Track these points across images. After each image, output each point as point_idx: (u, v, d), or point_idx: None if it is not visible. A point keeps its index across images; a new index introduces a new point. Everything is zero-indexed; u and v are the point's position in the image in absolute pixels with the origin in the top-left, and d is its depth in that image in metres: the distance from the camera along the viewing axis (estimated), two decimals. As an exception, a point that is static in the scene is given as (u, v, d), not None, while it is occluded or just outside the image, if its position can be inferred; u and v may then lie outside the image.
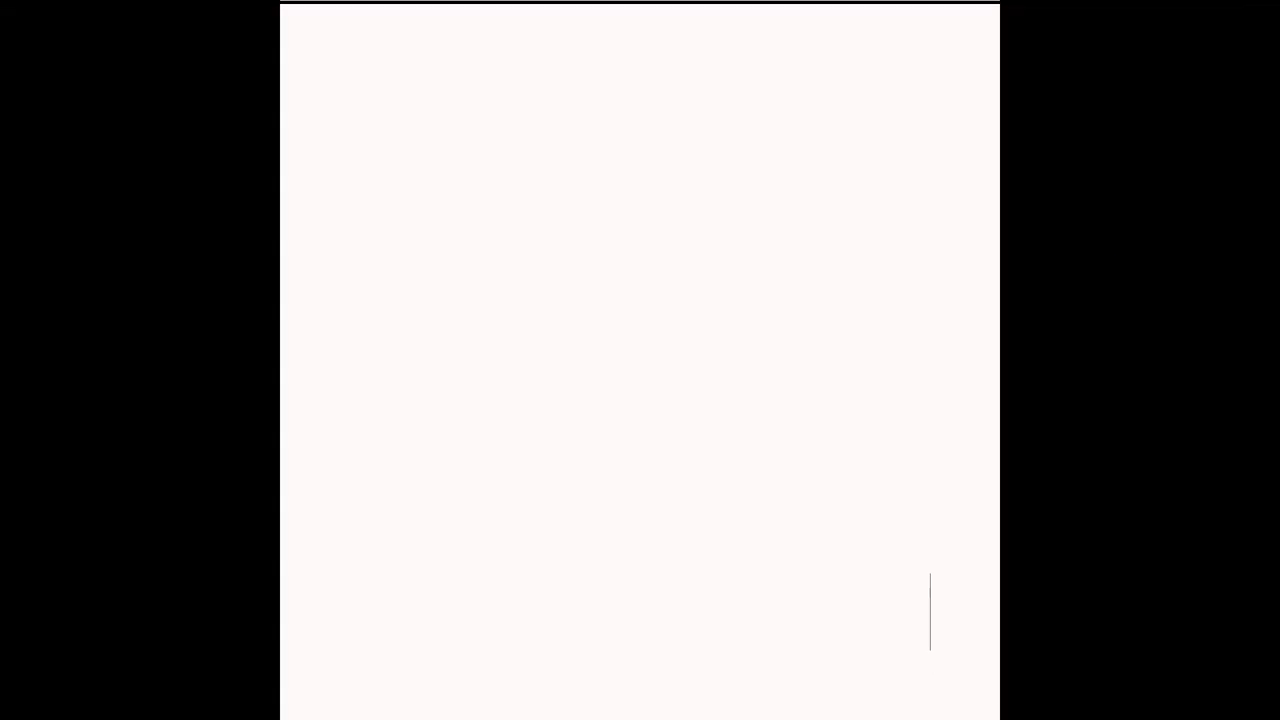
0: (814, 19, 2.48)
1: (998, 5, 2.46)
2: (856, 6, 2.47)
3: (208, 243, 1.92)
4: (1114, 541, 1.89)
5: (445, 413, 2.43)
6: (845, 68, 2.48)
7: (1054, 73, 1.92)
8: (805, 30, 2.48)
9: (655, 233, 2.47)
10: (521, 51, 2.45)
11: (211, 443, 1.91)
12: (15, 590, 1.85)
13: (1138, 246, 1.90)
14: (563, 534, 2.45)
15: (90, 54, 1.91)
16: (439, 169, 2.44)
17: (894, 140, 2.48)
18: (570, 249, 2.45)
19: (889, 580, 2.48)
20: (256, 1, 1.95)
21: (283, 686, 2.40)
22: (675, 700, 2.46)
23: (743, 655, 2.46)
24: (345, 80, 2.43)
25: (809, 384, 2.47)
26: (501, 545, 2.44)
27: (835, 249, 2.48)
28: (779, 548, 2.47)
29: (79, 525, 1.88)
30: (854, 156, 2.48)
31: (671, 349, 2.46)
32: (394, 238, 2.43)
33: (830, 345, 2.48)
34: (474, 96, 2.45)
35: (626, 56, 2.47)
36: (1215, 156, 1.89)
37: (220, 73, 1.93)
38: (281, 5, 2.42)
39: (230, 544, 1.93)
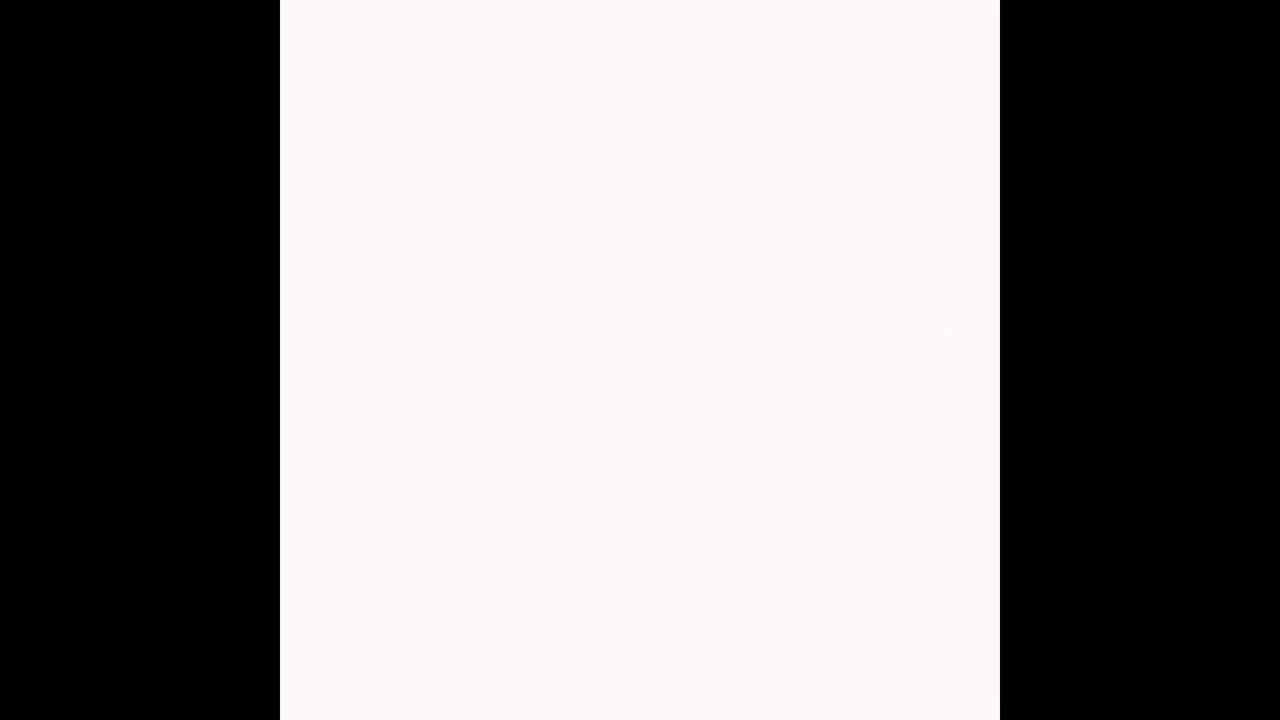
0: (810, 5, 2.48)
1: None
2: None
3: (208, 238, 1.92)
4: (1114, 541, 1.89)
5: (446, 410, 2.43)
6: (840, 54, 2.48)
7: (1054, 59, 1.92)
8: (801, 17, 2.48)
9: (653, 229, 2.46)
10: (524, 44, 2.45)
11: (212, 442, 1.91)
12: (16, 589, 1.85)
13: (1138, 233, 1.90)
14: (564, 533, 2.45)
15: (89, 47, 1.91)
16: (442, 162, 2.44)
17: (891, 127, 2.48)
18: (569, 242, 2.45)
19: (888, 579, 2.48)
20: None
21: (283, 687, 2.40)
22: (674, 699, 2.46)
23: (741, 654, 2.46)
24: (346, 71, 2.43)
25: (805, 380, 2.47)
26: (504, 545, 2.44)
27: (830, 240, 2.48)
28: (778, 547, 2.47)
29: (80, 525, 1.88)
30: (850, 145, 2.48)
31: (670, 345, 2.46)
32: (395, 233, 2.43)
33: (828, 338, 2.48)
34: (478, 88, 2.45)
35: (624, 45, 2.47)
36: (1215, 151, 1.88)
37: (220, 62, 1.93)
38: None
39: (230, 544, 1.93)
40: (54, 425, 1.85)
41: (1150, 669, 1.85)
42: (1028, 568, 1.90)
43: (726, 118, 2.47)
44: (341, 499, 2.42)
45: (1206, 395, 1.84)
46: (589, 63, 2.46)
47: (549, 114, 2.46)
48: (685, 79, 2.47)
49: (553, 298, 2.45)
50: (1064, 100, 1.90)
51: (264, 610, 1.94)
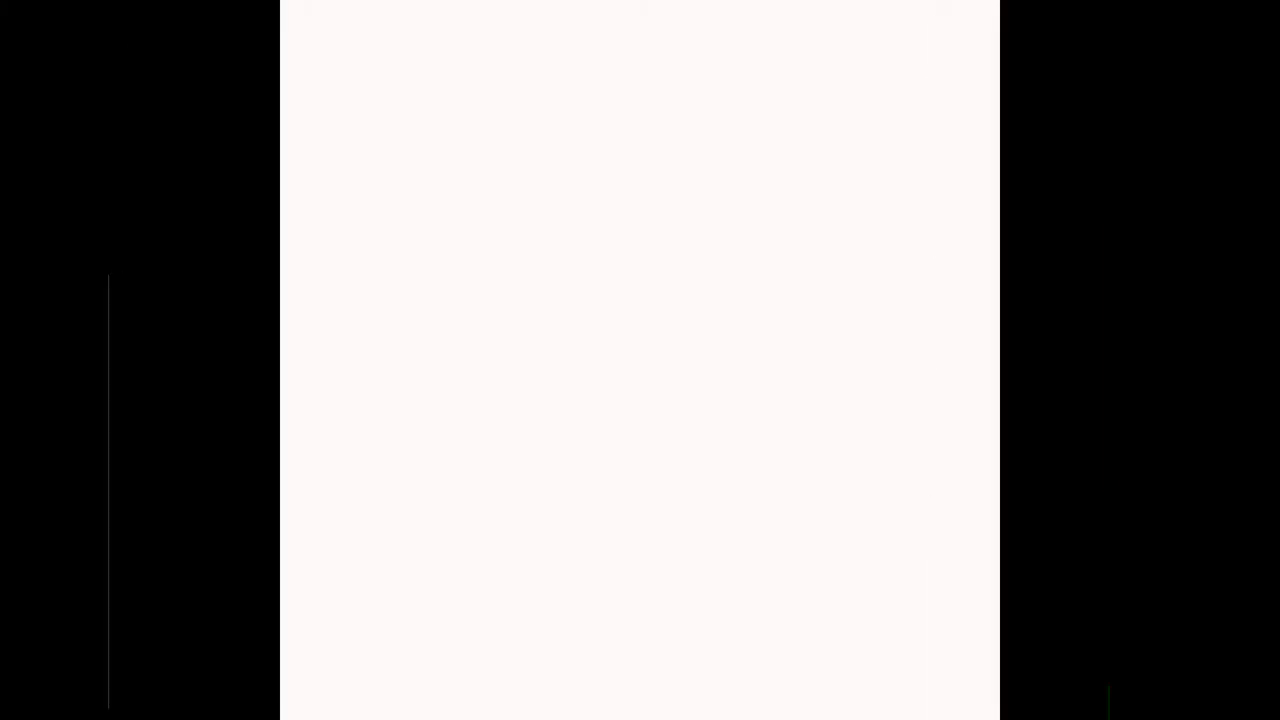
0: (809, 9, 2.48)
1: None
2: None
3: (208, 242, 1.92)
4: (1115, 542, 1.89)
5: (446, 412, 2.43)
6: (840, 59, 2.48)
7: (1054, 65, 1.92)
8: (800, 22, 2.48)
9: (653, 230, 2.47)
10: (525, 47, 2.46)
11: (212, 442, 1.91)
12: (16, 589, 1.85)
13: (1139, 242, 1.89)
14: (564, 535, 2.45)
15: (88, 47, 1.91)
16: (442, 165, 2.44)
17: (891, 133, 2.48)
18: (570, 245, 2.45)
19: (887, 580, 2.48)
20: None
21: (283, 687, 2.41)
22: (673, 700, 2.46)
23: (741, 656, 2.46)
24: (347, 74, 2.43)
25: (806, 384, 2.47)
26: (504, 546, 2.44)
27: (830, 246, 2.48)
28: (777, 547, 2.47)
29: (80, 525, 1.88)
30: (849, 151, 2.48)
31: (671, 346, 2.47)
32: (396, 236, 2.43)
33: (828, 343, 2.48)
34: (478, 92, 2.45)
35: (623, 48, 2.47)
36: (1217, 153, 1.88)
37: (220, 64, 1.93)
38: None
39: (230, 544, 1.93)
40: (54, 426, 1.85)
41: (1149, 670, 1.85)
42: (1028, 569, 1.90)
43: (727, 119, 2.47)
44: (341, 501, 2.42)
45: (1207, 397, 1.84)
46: (588, 63, 2.46)
47: (550, 117, 2.46)
48: (684, 78, 2.47)
49: (552, 300, 2.45)
50: (1064, 101, 1.90)
51: (264, 611, 1.94)
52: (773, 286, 2.47)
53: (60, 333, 1.85)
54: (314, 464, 2.42)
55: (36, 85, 1.85)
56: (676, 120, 2.46)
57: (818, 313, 2.46)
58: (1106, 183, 1.88)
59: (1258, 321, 1.82)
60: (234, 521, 1.89)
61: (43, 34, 1.85)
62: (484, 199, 2.45)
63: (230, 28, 1.91)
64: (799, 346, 2.46)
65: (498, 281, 2.44)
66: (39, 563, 1.83)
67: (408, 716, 2.43)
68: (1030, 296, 1.91)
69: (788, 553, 2.46)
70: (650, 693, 2.46)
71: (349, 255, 2.43)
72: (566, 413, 2.45)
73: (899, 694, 2.47)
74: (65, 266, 1.85)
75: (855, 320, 2.46)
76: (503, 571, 2.44)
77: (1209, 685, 1.83)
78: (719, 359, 2.46)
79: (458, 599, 2.43)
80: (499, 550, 2.44)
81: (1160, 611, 1.84)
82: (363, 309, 2.43)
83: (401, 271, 2.43)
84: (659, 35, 2.46)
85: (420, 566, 2.43)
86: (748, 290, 2.46)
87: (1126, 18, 1.87)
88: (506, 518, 2.44)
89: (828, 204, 2.47)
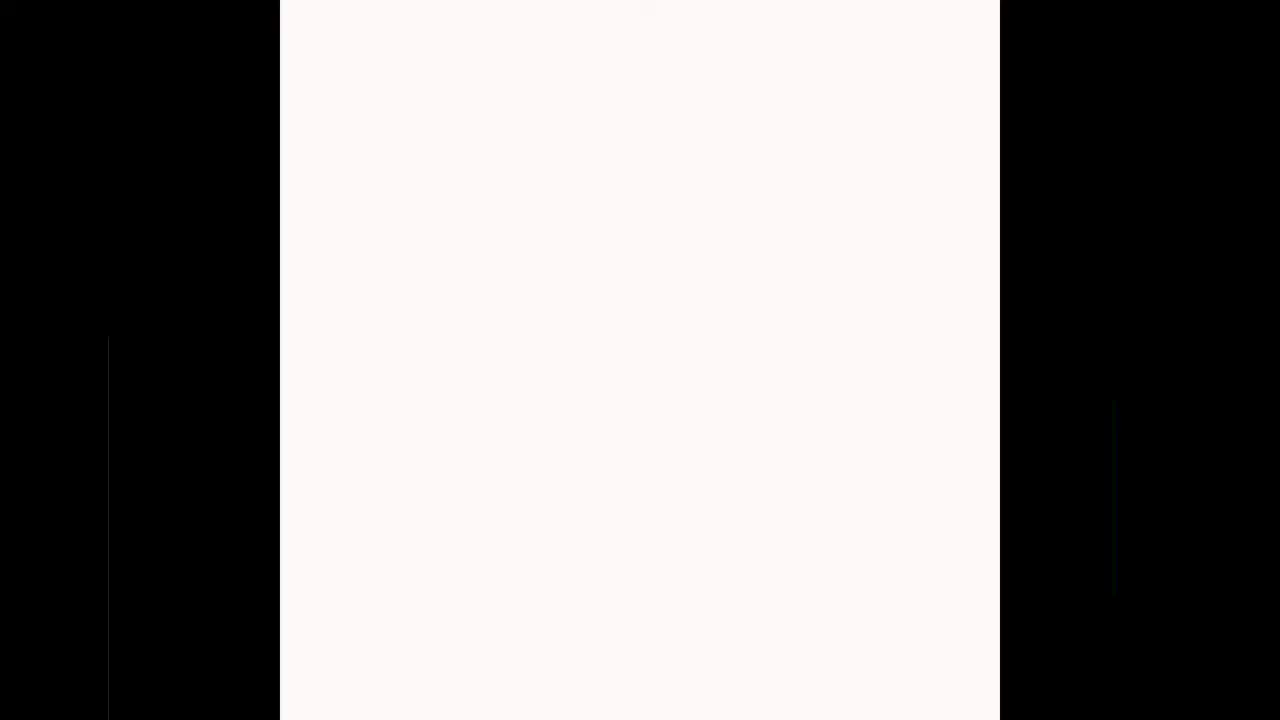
0: (809, 8, 2.47)
1: None
2: None
3: (208, 240, 1.92)
4: (1113, 545, 1.89)
5: (446, 413, 2.43)
6: (840, 56, 2.47)
7: (1055, 62, 1.92)
8: (800, 19, 2.48)
9: (654, 229, 2.47)
10: (525, 45, 2.45)
11: (212, 444, 1.91)
12: (16, 590, 1.85)
13: (1138, 241, 1.89)
14: (564, 536, 2.45)
15: (88, 46, 1.91)
16: (442, 164, 2.44)
17: (890, 130, 2.48)
18: (570, 245, 2.45)
19: (887, 580, 2.48)
20: None
21: (283, 687, 2.41)
22: (673, 701, 2.47)
23: (741, 657, 2.46)
24: (346, 73, 2.43)
25: (807, 384, 2.47)
26: (504, 548, 2.45)
27: (830, 244, 2.48)
28: (778, 548, 2.47)
29: (80, 525, 1.88)
30: (849, 148, 2.48)
31: (671, 346, 2.46)
32: (395, 236, 2.43)
33: (828, 344, 2.48)
34: (478, 90, 2.45)
35: (624, 46, 2.47)
36: (1217, 152, 1.88)
37: (219, 61, 1.93)
38: None
39: (230, 544, 1.93)
40: (54, 425, 1.85)
41: (1149, 672, 1.85)
42: (1028, 570, 1.90)
43: (728, 119, 2.47)
44: (341, 503, 2.42)
45: (1207, 403, 1.84)
46: (590, 64, 2.46)
47: (551, 118, 2.46)
48: (684, 78, 2.47)
49: (552, 302, 2.45)
50: (1064, 101, 1.90)
51: (264, 611, 1.95)
52: (772, 288, 2.46)
53: (60, 334, 1.86)
54: (314, 468, 2.42)
55: (36, 85, 1.85)
56: (675, 118, 2.46)
57: (818, 314, 2.46)
58: (1106, 183, 1.88)
59: (1257, 318, 1.82)
60: (234, 525, 1.89)
61: (43, 34, 1.85)
62: (484, 203, 2.45)
63: (230, 29, 1.91)
64: (799, 347, 2.46)
65: (498, 286, 2.44)
66: (40, 567, 1.84)
67: (407, 717, 2.44)
68: (1030, 297, 1.91)
69: (788, 553, 2.46)
70: (650, 693, 2.46)
71: (348, 259, 2.43)
72: (566, 414, 2.45)
73: (899, 694, 2.47)
74: (65, 268, 1.86)
75: (855, 322, 2.46)
76: (501, 573, 2.44)
77: (1209, 682, 1.83)
78: (719, 362, 2.46)
79: (456, 600, 2.43)
80: (497, 552, 2.44)
81: (1159, 610, 1.84)
82: (362, 311, 2.43)
83: (400, 277, 2.43)
84: (658, 31, 2.46)
85: (419, 568, 2.43)
86: (748, 292, 2.46)
87: (1126, 18, 1.87)
88: (504, 519, 2.44)
89: (827, 205, 2.47)
